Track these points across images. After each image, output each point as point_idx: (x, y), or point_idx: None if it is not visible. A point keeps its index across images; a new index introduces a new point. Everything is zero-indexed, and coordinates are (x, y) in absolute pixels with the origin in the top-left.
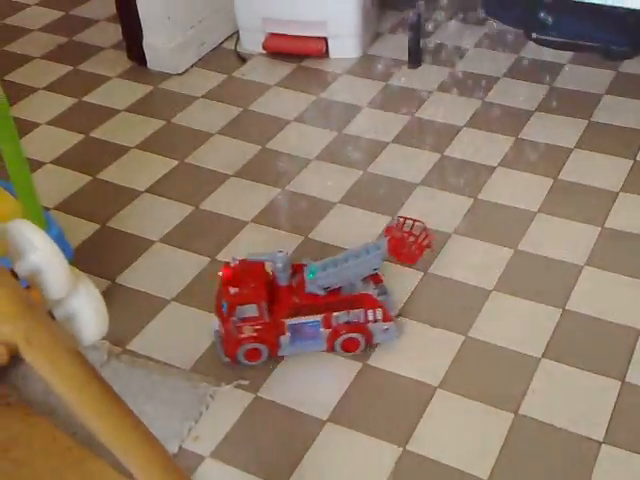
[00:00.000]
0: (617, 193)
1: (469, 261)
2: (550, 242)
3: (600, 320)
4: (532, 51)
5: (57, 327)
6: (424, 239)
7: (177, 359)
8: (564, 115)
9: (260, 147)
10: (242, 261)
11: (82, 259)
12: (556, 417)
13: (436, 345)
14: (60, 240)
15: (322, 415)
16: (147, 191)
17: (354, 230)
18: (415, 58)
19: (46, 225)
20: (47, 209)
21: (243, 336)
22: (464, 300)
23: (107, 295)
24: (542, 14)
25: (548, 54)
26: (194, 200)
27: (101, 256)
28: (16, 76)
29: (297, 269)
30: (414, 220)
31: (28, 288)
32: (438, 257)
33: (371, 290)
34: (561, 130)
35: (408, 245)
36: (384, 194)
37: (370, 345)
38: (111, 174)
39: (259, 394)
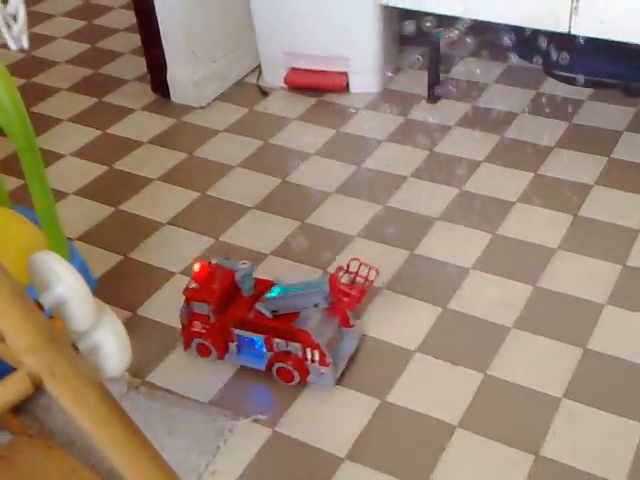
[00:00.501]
0: (638, 231)
1: (488, 297)
2: (570, 279)
3: (622, 360)
4: (551, 87)
5: (80, 359)
6: (365, 284)
7: (196, 392)
8: (584, 151)
9: (280, 180)
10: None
11: (104, 290)
12: (578, 459)
13: (455, 383)
14: (83, 270)
15: (340, 452)
16: (169, 223)
17: (371, 262)
18: (434, 93)
19: (69, 255)
20: (70, 239)
21: (194, 329)
22: (483, 337)
23: (128, 326)
24: (562, 51)
25: (568, 90)
26: (215, 232)
27: (123, 287)
28: (42, 107)
29: (266, 285)
30: (363, 264)
31: (51, 318)
32: (457, 293)
33: (331, 330)
34: (581, 166)
35: (347, 291)
36: (402, 228)
37: (304, 382)
38: (133, 205)
39: (277, 429)
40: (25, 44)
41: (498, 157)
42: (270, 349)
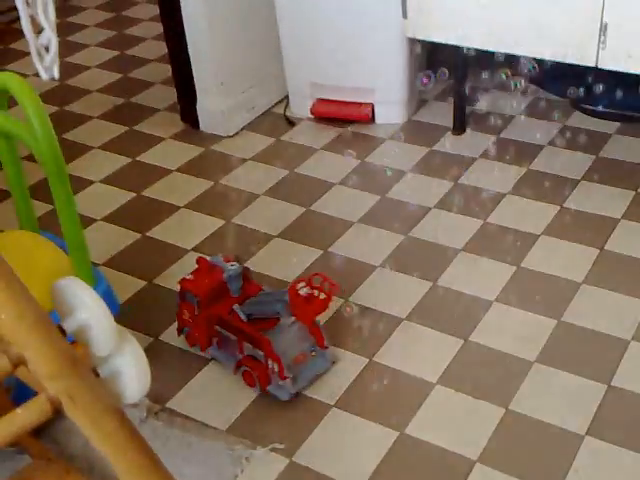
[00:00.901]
0: None
1: (511, 330)
2: (595, 314)
3: None
4: (578, 120)
5: (100, 385)
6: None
7: (214, 419)
8: (610, 185)
9: (304, 209)
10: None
11: (127, 315)
12: None
13: (476, 417)
14: (108, 296)
15: None
16: (193, 250)
17: (395, 295)
18: (460, 124)
19: (95, 281)
20: (96, 265)
21: (184, 317)
22: (505, 371)
23: (149, 352)
24: (589, 84)
25: (594, 124)
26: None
27: (146, 313)
28: (74, 135)
29: (254, 289)
30: (326, 280)
31: (73, 343)
32: (479, 325)
33: (302, 347)
34: (607, 200)
35: (304, 303)
36: (425, 259)
37: (264, 391)
38: (160, 232)
39: (294, 459)
40: (56, 74)
41: (523, 189)
42: (240, 351)
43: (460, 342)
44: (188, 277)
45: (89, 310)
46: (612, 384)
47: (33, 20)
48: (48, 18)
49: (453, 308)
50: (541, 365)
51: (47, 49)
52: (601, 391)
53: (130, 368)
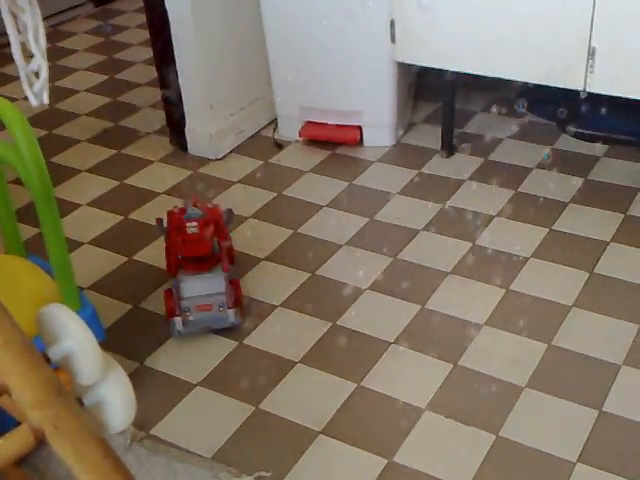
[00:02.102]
0: None
1: (500, 355)
2: (586, 338)
3: (639, 424)
4: (566, 143)
5: (84, 414)
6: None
7: (199, 446)
8: (599, 208)
9: (292, 231)
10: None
11: (112, 340)
12: None
13: (465, 443)
14: (93, 320)
15: None
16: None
17: (383, 318)
18: (448, 147)
19: (80, 305)
20: (82, 288)
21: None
22: (495, 396)
23: (134, 377)
24: (577, 108)
25: (582, 146)
26: None
27: (131, 337)
28: (61, 158)
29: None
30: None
31: (56, 370)
32: (468, 349)
33: (215, 299)
34: (596, 223)
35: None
36: (414, 282)
37: (166, 319)
38: (147, 255)
39: None
40: (45, 100)
41: (512, 212)
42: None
43: (449, 367)
44: (174, 210)
45: (75, 338)
46: (604, 409)
47: (23, 46)
48: (39, 45)
49: (442, 332)
50: (531, 390)
51: (37, 75)
52: (592, 417)
53: (115, 397)
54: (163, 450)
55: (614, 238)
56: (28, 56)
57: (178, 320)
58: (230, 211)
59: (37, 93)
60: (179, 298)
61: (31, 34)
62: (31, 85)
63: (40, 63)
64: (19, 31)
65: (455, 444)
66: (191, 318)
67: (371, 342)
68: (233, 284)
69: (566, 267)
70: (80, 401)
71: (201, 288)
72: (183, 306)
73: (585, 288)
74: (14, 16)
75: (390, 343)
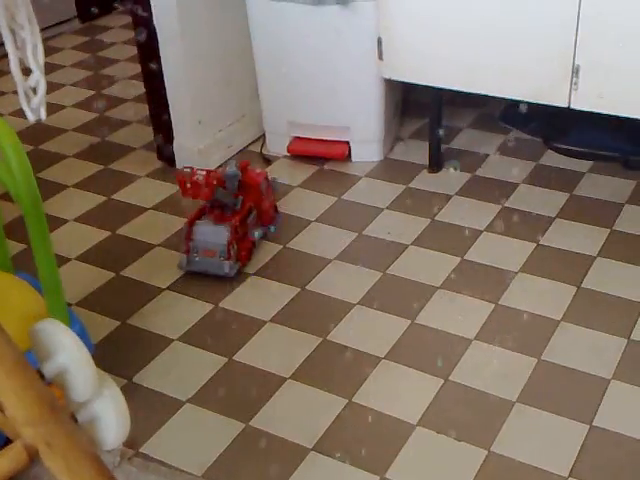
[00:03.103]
0: None
1: (491, 369)
2: (575, 353)
3: (629, 438)
4: (552, 159)
5: (78, 431)
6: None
7: (189, 464)
8: (585, 223)
9: (281, 247)
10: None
11: (101, 356)
12: None
13: (457, 459)
14: (82, 336)
15: None
16: (168, 288)
17: (373, 333)
18: (435, 163)
19: (69, 321)
20: (69, 305)
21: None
22: (486, 411)
23: (123, 394)
24: (562, 124)
25: (568, 162)
26: (214, 299)
27: (119, 354)
28: (48, 174)
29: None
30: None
31: (49, 385)
32: (459, 364)
33: (218, 248)
34: (583, 238)
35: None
36: (403, 296)
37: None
38: (134, 271)
39: None
40: (43, 116)
41: (499, 227)
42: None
43: (440, 382)
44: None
45: (69, 354)
46: (594, 424)
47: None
48: (37, 61)
49: (432, 346)
50: (522, 405)
51: (35, 91)
52: (583, 431)
53: (109, 414)
54: (153, 468)
55: (601, 253)
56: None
57: (184, 257)
58: (274, 181)
59: (35, 109)
60: (191, 239)
61: (30, 50)
62: (29, 101)
63: (38, 79)
64: (17, 47)
65: (447, 460)
66: (197, 259)
67: (362, 357)
68: (244, 241)
69: (554, 282)
70: (74, 417)
71: (208, 236)
72: (192, 247)
73: (573, 302)
74: (13, 32)
75: (381, 358)
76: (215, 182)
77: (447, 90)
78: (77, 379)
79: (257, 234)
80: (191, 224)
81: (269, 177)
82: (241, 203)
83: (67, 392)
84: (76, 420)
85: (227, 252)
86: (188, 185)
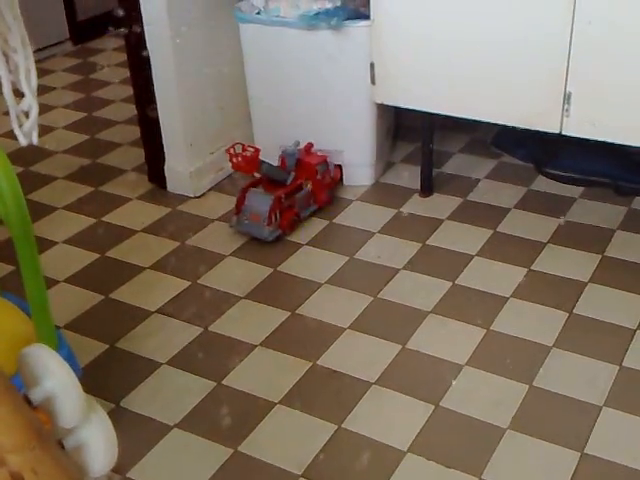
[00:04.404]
0: (634, 331)
1: (482, 396)
2: (567, 380)
3: (621, 466)
4: (543, 184)
5: (65, 458)
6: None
7: None
8: (577, 249)
9: (272, 270)
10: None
11: (88, 380)
12: None
13: None
14: (70, 360)
15: None
16: (158, 311)
17: (363, 358)
18: (427, 187)
19: (57, 345)
20: (58, 327)
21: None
22: (477, 438)
23: (110, 418)
24: (553, 150)
25: (559, 188)
26: (204, 322)
27: (107, 378)
28: (38, 195)
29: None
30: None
31: (35, 409)
32: (449, 390)
33: (262, 212)
34: (574, 263)
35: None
36: (394, 321)
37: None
38: (123, 294)
39: None
40: (35, 140)
41: (491, 251)
42: None
43: (431, 408)
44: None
45: (57, 379)
46: (585, 451)
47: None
48: (30, 85)
49: (423, 372)
50: (513, 432)
51: (27, 115)
52: (575, 459)
53: (97, 441)
54: None
55: (592, 279)
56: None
57: (234, 218)
58: (333, 167)
59: (26, 132)
60: (243, 204)
61: (23, 74)
62: (20, 125)
63: (31, 103)
64: (10, 70)
65: None
66: (245, 222)
67: (352, 382)
68: (288, 212)
69: (546, 307)
70: (61, 444)
71: (255, 202)
72: (243, 210)
73: (565, 328)
74: (6, 55)
75: (371, 383)
76: (260, 158)
77: (439, 115)
78: (65, 405)
79: (306, 211)
80: (245, 191)
81: (329, 161)
82: (292, 179)
83: (54, 418)
84: (63, 446)
85: (268, 218)
86: (237, 160)
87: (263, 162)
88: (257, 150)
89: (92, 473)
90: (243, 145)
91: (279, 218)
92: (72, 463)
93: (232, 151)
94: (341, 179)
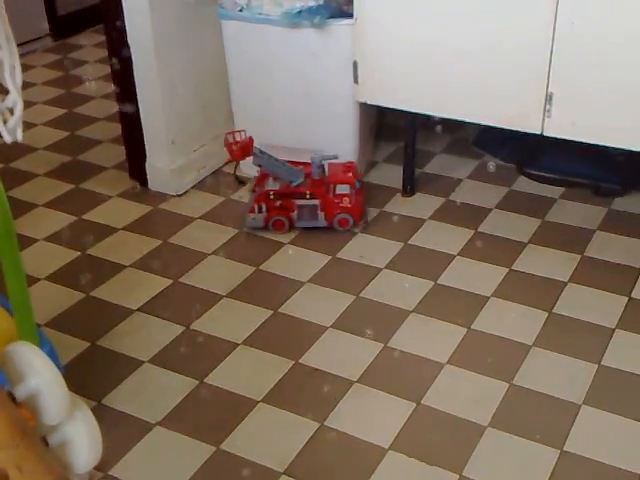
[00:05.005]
0: (613, 330)
1: (463, 394)
2: (546, 378)
3: (600, 463)
4: (524, 185)
5: (49, 455)
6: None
7: None
8: (557, 249)
9: (254, 268)
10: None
11: (69, 378)
12: None
13: None
14: (52, 358)
15: None
16: (139, 310)
17: (345, 357)
18: (409, 187)
19: (39, 343)
20: (39, 325)
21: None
22: (458, 435)
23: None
24: (534, 151)
25: (540, 188)
26: (186, 320)
27: (88, 376)
28: (18, 192)
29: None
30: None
31: (19, 405)
32: (431, 388)
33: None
34: (554, 263)
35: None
36: (376, 320)
37: None
38: (105, 292)
39: None
40: (19, 137)
41: (472, 251)
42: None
43: (412, 405)
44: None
45: (41, 376)
46: (565, 449)
47: None
48: (15, 81)
49: (405, 370)
50: (494, 429)
51: (11, 111)
52: (554, 456)
53: (82, 437)
54: None
55: (572, 279)
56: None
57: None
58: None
59: (11, 129)
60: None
61: (7, 71)
62: (5, 122)
63: (16, 100)
64: None
65: None
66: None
67: (334, 381)
68: (277, 211)
69: (526, 306)
70: (45, 441)
71: (259, 189)
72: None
73: (545, 328)
74: None
75: (353, 382)
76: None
77: (421, 115)
78: (49, 402)
79: (305, 222)
80: (257, 185)
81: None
82: (298, 184)
83: (39, 415)
84: (47, 443)
85: (251, 206)
86: (235, 147)
87: (262, 153)
88: (250, 138)
89: (76, 470)
90: (233, 132)
91: (265, 212)
92: (56, 460)
93: (230, 138)
94: None
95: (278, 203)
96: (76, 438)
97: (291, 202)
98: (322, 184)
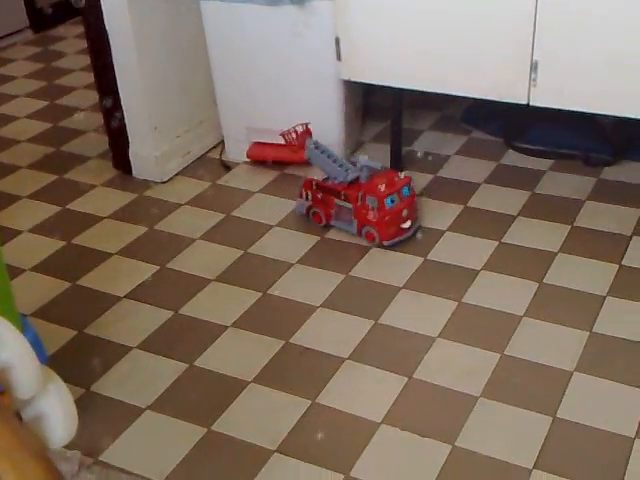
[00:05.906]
0: (604, 297)
1: (454, 366)
2: (537, 347)
3: (592, 428)
4: (513, 158)
5: (24, 430)
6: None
7: (150, 471)
8: (546, 220)
9: (242, 252)
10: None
11: (57, 366)
12: None
13: (422, 455)
14: (35, 345)
15: None
16: (127, 297)
17: (336, 334)
18: (397, 165)
19: (22, 329)
20: (25, 316)
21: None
22: (450, 407)
23: (80, 403)
24: (521, 123)
25: (529, 161)
26: (174, 305)
27: (77, 363)
28: (1, 185)
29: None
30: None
31: None
32: (423, 362)
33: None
34: (544, 235)
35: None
36: (367, 298)
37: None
38: (91, 280)
39: None
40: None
41: (462, 226)
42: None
43: (404, 380)
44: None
45: (11, 349)
46: (557, 416)
47: None
48: None
49: (396, 346)
50: (486, 400)
51: None
52: (547, 423)
53: (56, 411)
54: (113, 476)
55: (562, 249)
56: None
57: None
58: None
59: None
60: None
61: None
62: None
63: None
64: None
65: (412, 455)
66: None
67: (325, 359)
68: (319, 203)
69: (516, 278)
70: (19, 415)
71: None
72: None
73: (535, 298)
74: None
75: (344, 359)
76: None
77: (407, 90)
78: (21, 376)
79: (338, 223)
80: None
81: (391, 202)
82: (338, 182)
83: (11, 389)
84: (21, 418)
85: (299, 191)
86: (290, 137)
87: (317, 145)
88: (307, 127)
89: (52, 444)
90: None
91: (310, 201)
92: (31, 434)
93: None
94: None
95: (319, 195)
96: (50, 412)
97: (331, 198)
98: (357, 190)
